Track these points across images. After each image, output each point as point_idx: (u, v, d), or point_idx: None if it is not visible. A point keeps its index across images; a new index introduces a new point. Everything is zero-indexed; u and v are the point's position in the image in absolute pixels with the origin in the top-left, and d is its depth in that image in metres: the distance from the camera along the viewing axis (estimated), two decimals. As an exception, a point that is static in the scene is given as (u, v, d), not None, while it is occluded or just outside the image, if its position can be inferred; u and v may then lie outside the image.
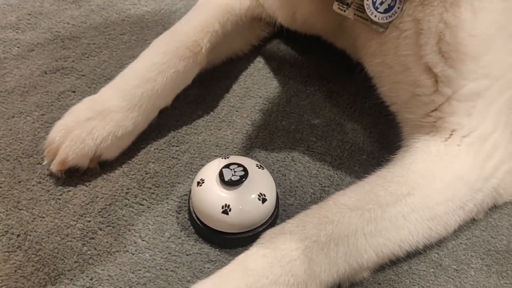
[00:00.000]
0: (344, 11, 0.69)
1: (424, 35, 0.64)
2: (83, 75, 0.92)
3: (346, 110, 0.85)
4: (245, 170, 0.65)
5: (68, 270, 0.63)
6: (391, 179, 0.63)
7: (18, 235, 0.67)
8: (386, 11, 0.66)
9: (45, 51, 0.98)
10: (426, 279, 0.62)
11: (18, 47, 0.99)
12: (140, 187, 0.73)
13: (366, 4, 0.66)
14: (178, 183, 0.74)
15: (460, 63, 0.64)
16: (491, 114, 0.66)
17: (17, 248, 0.65)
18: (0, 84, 0.90)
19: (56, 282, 0.62)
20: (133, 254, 0.65)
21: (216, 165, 0.67)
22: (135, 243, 0.66)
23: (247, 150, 0.78)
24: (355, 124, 0.81)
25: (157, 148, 0.79)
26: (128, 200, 0.71)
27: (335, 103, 0.86)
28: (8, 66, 0.95)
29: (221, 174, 0.64)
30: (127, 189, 0.72)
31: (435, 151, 0.66)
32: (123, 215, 0.69)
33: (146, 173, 0.75)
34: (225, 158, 0.68)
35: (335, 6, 0.69)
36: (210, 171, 0.66)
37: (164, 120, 0.82)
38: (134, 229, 0.67)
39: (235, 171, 0.65)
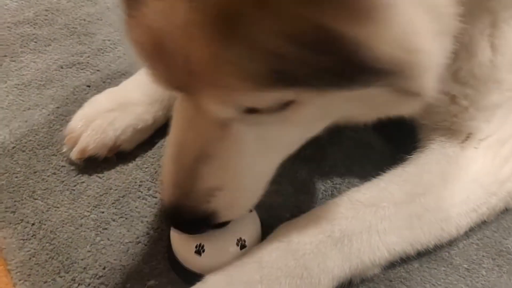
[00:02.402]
0: None
1: None
2: (98, 70, 0.93)
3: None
4: None
5: (82, 259, 0.64)
6: (406, 178, 0.64)
7: (33, 224, 0.68)
8: None
9: (62, 46, 0.99)
10: (437, 277, 0.62)
11: (35, 42, 1.00)
12: (153, 180, 0.73)
13: None
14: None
15: (480, 86, 0.63)
16: (511, 119, 0.66)
17: (32, 236, 0.66)
18: (17, 77, 0.91)
19: (69, 270, 0.62)
20: (145, 245, 0.65)
21: None
22: (148, 234, 0.67)
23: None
24: (368, 124, 0.81)
25: (170, 143, 0.79)
26: (141, 192, 0.72)
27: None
28: (25, 60, 0.96)
29: None
30: (140, 181, 0.73)
31: (451, 152, 0.66)
32: (136, 207, 0.70)
33: (160, 167, 0.75)
34: None
35: None
36: None
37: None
38: (147, 221, 0.68)
39: None
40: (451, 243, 0.65)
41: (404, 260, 0.62)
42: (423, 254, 0.63)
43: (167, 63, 0.42)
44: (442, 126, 0.68)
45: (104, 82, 0.90)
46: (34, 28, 1.04)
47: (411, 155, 0.68)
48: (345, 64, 0.40)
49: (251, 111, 0.45)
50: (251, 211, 0.64)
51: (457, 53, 0.56)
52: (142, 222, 0.68)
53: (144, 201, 0.71)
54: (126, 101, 0.75)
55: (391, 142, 0.78)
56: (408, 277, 0.62)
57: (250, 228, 0.62)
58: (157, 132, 0.79)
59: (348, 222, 0.59)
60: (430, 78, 0.46)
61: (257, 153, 0.50)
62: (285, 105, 0.44)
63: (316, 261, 0.56)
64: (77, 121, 0.74)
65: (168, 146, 0.51)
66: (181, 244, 0.61)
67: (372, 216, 0.59)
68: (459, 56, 0.59)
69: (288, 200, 0.71)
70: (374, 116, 0.56)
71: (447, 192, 0.63)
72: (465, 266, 0.64)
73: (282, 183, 0.73)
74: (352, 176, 0.74)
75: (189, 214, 0.51)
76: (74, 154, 0.73)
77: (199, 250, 0.59)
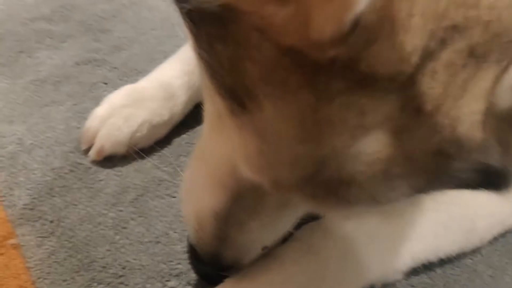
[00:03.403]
0: None
1: None
2: (114, 68, 0.92)
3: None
4: None
5: (101, 258, 0.63)
6: None
7: (52, 221, 0.67)
8: None
9: (77, 43, 0.99)
10: (460, 283, 0.62)
11: (51, 38, 1.00)
12: (172, 179, 0.73)
13: None
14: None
15: None
16: None
17: (51, 234, 0.66)
18: (34, 74, 0.91)
19: (89, 269, 0.62)
20: (165, 245, 0.65)
21: None
22: (167, 234, 0.66)
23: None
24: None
25: (188, 142, 0.79)
26: (160, 192, 0.71)
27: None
28: (41, 56, 0.96)
29: None
30: (159, 180, 0.72)
31: None
32: (155, 206, 0.69)
33: (178, 166, 0.75)
34: None
35: None
36: None
37: (197, 115, 0.82)
38: (166, 221, 0.67)
39: None
40: (475, 250, 0.64)
41: (426, 267, 0.62)
42: (446, 261, 0.63)
43: None
44: None
45: (121, 79, 0.89)
46: (50, 24, 1.04)
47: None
48: None
49: None
50: None
51: None
52: (161, 221, 0.67)
53: (162, 200, 0.70)
54: (141, 97, 0.75)
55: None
56: (431, 283, 0.62)
57: None
58: (173, 130, 0.79)
59: (373, 226, 0.58)
60: None
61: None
62: None
63: (339, 265, 0.56)
64: (92, 120, 0.74)
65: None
66: None
67: (397, 222, 0.59)
68: None
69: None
70: None
71: (473, 204, 0.62)
72: (489, 273, 0.63)
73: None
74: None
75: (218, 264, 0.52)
76: (92, 155, 0.73)
77: None
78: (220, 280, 0.54)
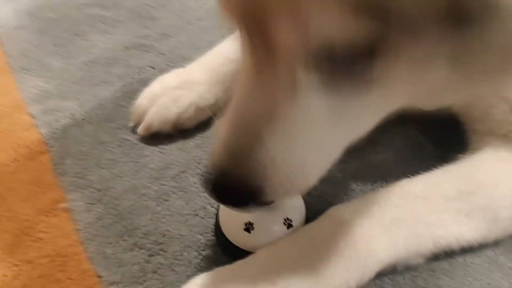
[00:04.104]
0: None
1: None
2: (161, 54, 0.98)
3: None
4: None
5: (143, 226, 0.68)
6: (457, 174, 0.66)
7: (99, 190, 0.73)
8: None
9: (127, 28, 1.05)
10: (480, 272, 0.64)
11: (102, 23, 1.06)
12: (211, 159, 0.78)
13: None
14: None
15: None
16: None
17: (98, 201, 0.71)
18: (87, 55, 0.97)
19: (132, 235, 0.67)
20: (202, 218, 0.70)
21: None
22: (205, 208, 0.71)
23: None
24: (419, 121, 0.83)
25: (227, 126, 0.83)
26: (200, 169, 0.76)
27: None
28: (93, 39, 1.02)
29: None
30: (200, 159, 0.77)
31: (505, 156, 0.67)
32: (194, 183, 0.74)
33: (217, 147, 0.79)
34: None
35: None
36: None
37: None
38: (204, 196, 0.72)
39: None
40: (497, 242, 0.66)
41: (448, 254, 0.64)
42: (467, 250, 0.65)
43: None
44: (497, 133, 0.69)
45: (167, 65, 0.95)
46: (102, 10, 1.10)
47: (462, 155, 0.70)
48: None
49: (325, 61, 0.40)
50: None
51: None
52: (199, 196, 0.72)
53: (202, 177, 0.75)
54: (191, 80, 0.80)
55: (442, 144, 0.80)
56: (451, 270, 0.64)
57: (295, 209, 0.65)
58: (216, 113, 0.83)
59: (398, 210, 0.61)
60: None
61: (327, 127, 0.45)
62: (367, 59, 0.40)
63: (365, 244, 0.59)
64: (144, 98, 0.80)
65: (229, 108, 0.46)
66: (230, 222, 0.63)
67: (421, 208, 0.62)
68: None
69: (338, 188, 0.74)
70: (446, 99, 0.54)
71: (497, 194, 0.64)
72: (510, 265, 0.65)
73: (332, 171, 0.76)
74: (402, 172, 0.76)
75: (239, 186, 0.45)
76: (140, 130, 0.78)
77: (248, 228, 0.61)
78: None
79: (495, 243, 0.66)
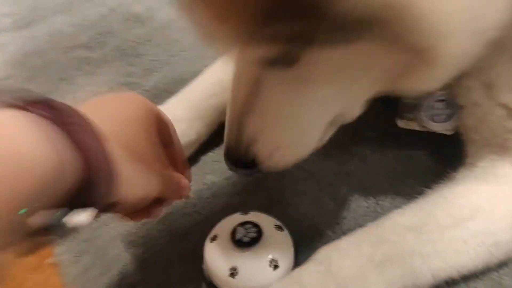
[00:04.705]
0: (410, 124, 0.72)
1: (496, 88, 0.62)
2: (146, 90, 0.97)
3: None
4: (259, 231, 0.61)
5: (131, 275, 0.67)
6: (452, 200, 0.62)
7: (86, 241, 0.71)
8: (446, 119, 0.67)
9: (112, 68, 1.04)
10: (484, 297, 0.61)
11: (88, 64, 1.06)
12: (198, 197, 0.76)
13: (424, 119, 0.68)
14: (236, 193, 0.76)
15: None
16: None
17: (85, 252, 0.70)
18: (72, 100, 0.96)
19: (120, 286, 0.66)
20: (192, 263, 0.67)
21: (232, 221, 0.64)
22: (194, 251, 0.68)
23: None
24: (411, 137, 0.80)
25: (215, 160, 0.81)
26: (187, 209, 0.74)
27: (391, 115, 0.85)
28: (79, 82, 1.02)
29: (233, 233, 0.62)
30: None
31: (502, 173, 0.63)
32: (182, 224, 0.72)
33: (204, 184, 0.78)
34: (243, 214, 0.66)
35: (400, 123, 0.72)
36: (225, 227, 0.64)
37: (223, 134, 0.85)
38: (193, 239, 0.70)
39: (248, 232, 0.62)
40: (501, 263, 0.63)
41: (448, 282, 0.61)
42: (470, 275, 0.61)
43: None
44: (493, 143, 0.64)
45: (152, 101, 0.93)
46: (87, 51, 1.10)
47: (456, 172, 0.67)
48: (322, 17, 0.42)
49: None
50: (282, 230, 0.64)
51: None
52: (188, 240, 0.70)
53: (190, 217, 0.73)
54: (170, 118, 0.78)
55: (435, 157, 0.76)
56: (454, 297, 0.61)
57: (282, 248, 0.62)
58: (199, 149, 0.82)
59: (391, 246, 0.58)
60: (441, 34, 0.45)
61: (295, 109, 0.54)
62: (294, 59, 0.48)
63: (357, 285, 0.56)
64: None
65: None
66: (215, 268, 0.62)
67: (415, 240, 0.58)
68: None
69: (330, 217, 0.71)
70: (394, 87, 0.56)
71: (496, 216, 0.61)
72: (515, 286, 0.61)
73: (324, 200, 0.74)
74: (395, 192, 0.73)
75: (237, 157, 0.58)
76: None
77: (233, 273, 0.59)
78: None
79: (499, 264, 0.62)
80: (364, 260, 0.57)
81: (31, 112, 0.38)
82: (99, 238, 0.72)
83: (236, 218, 0.64)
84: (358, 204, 0.73)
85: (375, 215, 0.68)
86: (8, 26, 1.18)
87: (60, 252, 0.70)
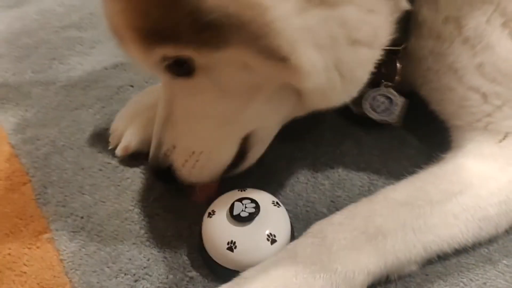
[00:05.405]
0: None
1: (460, 70, 0.64)
2: (140, 71, 0.96)
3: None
4: (257, 207, 0.62)
5: (127, 251, 0.67)
6: (442, 176, 0.64)
7: (82, 217, 0.72)
8: (386, 110, 0.72)
9: (105, 48, 1.04)
10: (475, 272, 0.62)
11: (80, 45, 1.05)
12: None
13: (366, 108, 0.73)
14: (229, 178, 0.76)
15: (508, 81, 0.62)
16: None
17: (81, 229, 0.70)
18: (65, 78, 0.96)
19: (116, 261, 0.66)
20: (187, 238, 0.68)
21: (230, 197, 0.64)
22: (189, 228, 0.69)
23: (295, 139, 0.80)
24: (405, 121, 0.81)
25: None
26: (182, 190, 0.74)
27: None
28: (72, 62, 1.01)
29: (231, 208, 0.62)
30: (182, 177, 0.76)
31: (488, 152, 0.65)
32: (177, 204, 0.73)
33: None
34: (241, 191, 0.66)
35: (355, 110, 0.75)
36: (223, 203, 0.64)
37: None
38: (188, 216, 0.70)
39: (246, 207, 0.62)
40: (491, 239, 0.64)
41: (441, 256, 0.62)
42: (461, 250, 0.63)
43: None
44: (477, 126, 0.66)
45: (146, 82, 0.94)
46: (79, 31, 1.10)
47: (445, 153, 0.68)
48: (188, 18, 0.48)
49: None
50: (279, 206, 0.65)
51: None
52: (183, 216, 0.71)
53: (185, 199, 0.73)
54: None
55: (427, 140, 0.78)
56: (445, 272, 0.62)
57: (279, 223, 0.63)
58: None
59: (383, 219, 0.59)
60: (295, 42, 0.51)
61: (201, 117, 0.60)
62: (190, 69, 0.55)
63: (350, 257, 0.57)
64: (119, 119, 0.78)
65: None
66: (213, 242, 0.62)
67: (407, 214, 0.60)
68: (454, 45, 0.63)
69: (325, 196, 0.72)
70: (302, 108, 0.62)
71: (485, 192, 0.62)
72: (505, 262, 0.63)
73: (319, 178, 0.75)
74: (389, 172, 0.75)
75: (157, 164, 0.65)
76: (118, 152, 0.77)
77: (231, 247, 0.60)
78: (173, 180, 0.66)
79: (489, 240, 0.64)
80: (357, 232, 0.58)
81: None
82: (96, 214, 0.72)
83: (234, 194, 0.65)
84: (353, 183, 0.74)
85: (369, 194, 0.69)
86: (-4, 5, 1.16)
87: (56, 227, 0.70)
